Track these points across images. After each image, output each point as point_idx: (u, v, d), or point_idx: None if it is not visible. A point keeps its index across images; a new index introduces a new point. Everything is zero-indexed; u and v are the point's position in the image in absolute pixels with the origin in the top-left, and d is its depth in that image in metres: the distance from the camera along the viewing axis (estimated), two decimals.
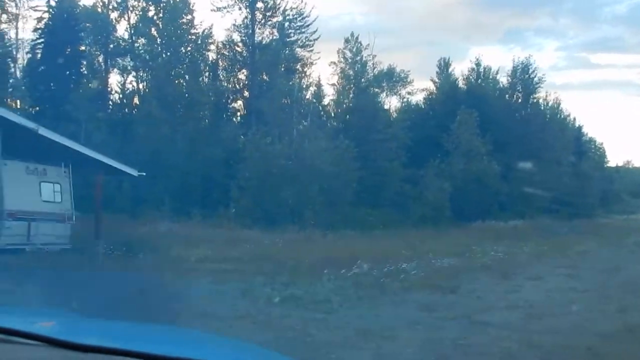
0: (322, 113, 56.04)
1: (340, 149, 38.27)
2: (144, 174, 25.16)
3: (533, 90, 62.84)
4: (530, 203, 49.18)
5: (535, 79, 63.23)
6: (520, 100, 62.84)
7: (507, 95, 62.89)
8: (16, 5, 52.32)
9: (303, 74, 57.38)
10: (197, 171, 40.60)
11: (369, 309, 11.40)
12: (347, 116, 46.77)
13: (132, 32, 52.10)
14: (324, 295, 12.53)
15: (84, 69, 51.39)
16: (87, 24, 52.18)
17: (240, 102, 54.75)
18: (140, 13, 51.94)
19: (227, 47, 54.59)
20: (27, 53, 51.98)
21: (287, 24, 55.46)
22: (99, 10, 52.89)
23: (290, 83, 53.14)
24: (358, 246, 24.49)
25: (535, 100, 63.42)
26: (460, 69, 74.88)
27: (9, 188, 19.37)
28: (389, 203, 42.42)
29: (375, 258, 19.25)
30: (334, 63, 61.67)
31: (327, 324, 9.68)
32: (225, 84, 54.55)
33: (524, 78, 62.82)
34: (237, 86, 54.89)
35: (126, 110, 51.89)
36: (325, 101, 57.49)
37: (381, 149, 43.69)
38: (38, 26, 50.96)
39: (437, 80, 63.32)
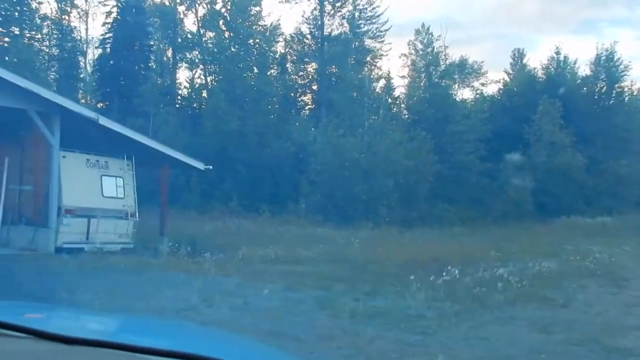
0: (393, 106, 54.13)
1: (417, 141, 36.14)
2: (211, 167, 23.75)
3: (618, 79, 59.05)
4: (618, 198, 45.95)
5: (621, 66, 59.46)
6: (604, 89, 59.15)
7: (589, 85, 59.34)
8: (86, 1, 52.12)
9: (374, 66, 55.61)
10: (265, 166, 39.16)
11: (473, 329, 9.42)
12: (421, 108, 44.41)
13: (200, 25, 51.21)
14: (416, 309, 10.61)
15: (152, 63, 50.94)
16: (155, 19, 51.69)
17: (309, 95, 53.19)
18: (208, 6, 50.95)
19: (296, 39, 53.17)
20: (96, 48, 51.82)
21: (357, 14, 53.59)
22: (167, 3, 52.17)
23: (360, 75, 51.36)
24: (440, 246, 22.48)
25: (619, 90, 59.60)
26: (535, 60, 71.60)
27: (68, 182, 18.14)
28: (467, 198, 39.99)
29: (463, 261, 17.21)
30: (404, 55, 59.91)
31: (429, 351, 7.76)
32: (294, 77, 53.08)
33: (609, 66, 59.13)
34: (306, 79, 53.36)
35: (194, 104, 51.03)
36: (396, 94, 55.55)
37: (458, 141, 41.31)
38: (107, 21, 50.70)
39: (510, 71, 60.87)
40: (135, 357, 1.42)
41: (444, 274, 14.18)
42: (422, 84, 55.37)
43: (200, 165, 21.94)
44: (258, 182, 38.59)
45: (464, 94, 59.17)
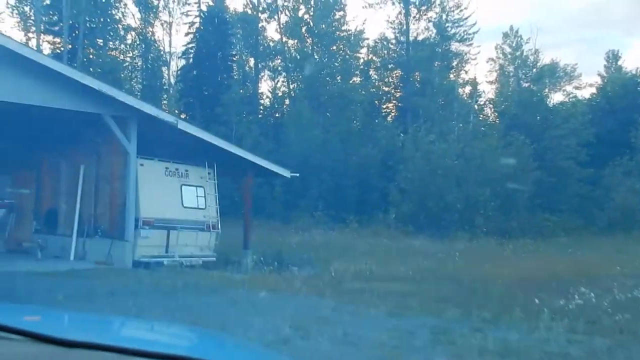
0: (483, 110, 51.74)
1: (515, 146, 33.59)
2: (297, 174, 22.16)
3: None
4: None
5: None
6: None
7: None
8: (169, 13, 51.98)
9: (461, 70, 53.31)
10: (351, 174, 37.45)
11: None
12: (516, 112, 41.74)
13: (282, 32, 50.17)
14: (556, 345, 8.52)
15: (234, 73, 50.28)
16: (238, 29, 51.04)
17: (394, 101, 51.19)
18: (291, 13, 49.89)
19: (380, 44, 51.42)
20: (179, 59, 51.53)
21: (444, 16, 51.38)
22: (249, 12, 51.41)
23: (446, 80, 49.18)
24: (552, 261, 20.05)
25: None
26: (630, 62, 67.39)
27: (146, 192, 16.85)
28: (568, 207, 37.09)
29: (586, 279, 14.93)
30: (492, 59, 57.46)
31: None
32: (378, 83, 51.27)
33: None
34: (391, 84, 51.46)
35: (277, 112, 49.96)
36: (483, 98, 53.21)
37: (558, 146, 38.42)
38: (189, 31, 50.39)
39: (605, 74, 57.47)
40: None
41: (576, 296, 12.00)
42: (510, 88, 52.89)
43: (286, 173, 20.34)
44: (344, 190, 36.92)
45: (555, 97, 56.20)
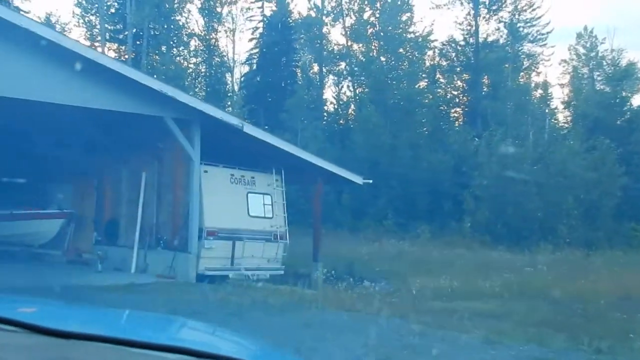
0: (555, 114, 49.43)
1: (599, 151, 31.39)
2: (370, 181, 20.81)
3: None
4: None
5: None
6: None
7: None
8: (232, 19, 51.48)
9: (533, 72, 51.01)
10: (421, 180, 35.83)
11: None
12: (598, 115, 39.37)
13: (348, 36, 48.94)
14: None
15: (299, 77, 49.38)
16: (301, 34, 50.17)
17: (464, 105, 49.27)
18: (357, 15, 48.60)
19: (449, 46, 49.58)
20: (242, 65, 50.96)
21: (516, 16, 49.22)
22: (313, 15, 50.40)
23: (517, 82, 47.08)
24: None
25: None
26: None
27: (210, 200, 15.77)
28: None
29: None
30: (565, 61, 54.93)
31: None
32: (447, 86, 49.45)
33: None
34: (460, 87, 49.57)
35: (343, 117, 48.79)
36: (555, 101, 50.87)
37: None
38: (253, 36, 49.82)
39: None
40: (130, 351, 1.39)
41: None
42: (584, 91, 50.38)
43: (358, 180, 19.03)
44: (414, 198, 35.35)
45: (635, 100, 53.27)
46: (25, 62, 12.83)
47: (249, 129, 15.72)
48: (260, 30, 49.95)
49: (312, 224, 19.34)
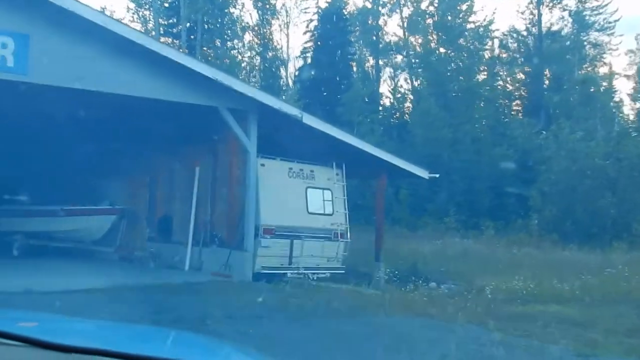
0: (621, 105, 47.31)
1: None
2: (437, 175, 19.69)
3: None
4: None
5: None
6: None
7: None
8: (287, 12, 50.79)
9: (600, 62, 48.79)
10: (484, 175, 34.43)
11: None
12: None
13: (405, 26, 47.65)
14: None
15: (354, 70, 48.38)
16: (357, 26, 49.15)
17: (525, 97, 47.42)
18: (414, 5, 47.27)
19: (510, 36, 47.84)
20: (297, 58, 50.24)
21: (581, 4, 47.10)
22: (369, 6, 49.28)
23: (584, 74, 45.03)
24: None
25: None
26: None
27: (267, 196, 14.91)
28: None
29: None
30: (631, 52, 52.51)
31: None
32: (509, 77, 47.67)
33: None
34: (523, 79, 47.72)
35: (400, 111, 47.51)
36: (621, 93, 48.69)
37: None
38: (308, 29, 49.01)
39: None
40: None
41: None
42: None
43: (423, 174, 17.91)
44: (476, 194, 33.97)
45: None
46: (76, 50, 12.18)
47: (309, 120, 14.79)
48: (315, 23, 49.07)
49: (371, 220, 18.41)
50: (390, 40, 49.23)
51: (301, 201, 15.62)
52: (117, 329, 2.28)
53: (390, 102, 49.50)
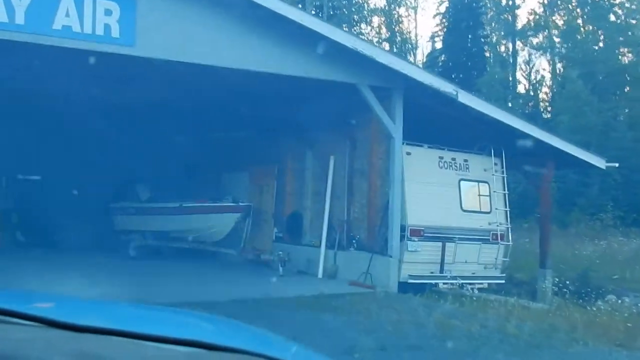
0: None
1: None
2: (616, 164, 16.66)
3: None
4: None
5: None
6: None
7: None
8: None
9: None
10: None
11: None
12: None
13: (545, 3, 43.78)
14: None
15: (488, 54, 45.24)
16: (489, 6, 45.94)
17: None
18: None
19: None
20: (426, 42, 47.65)
21: None
22: None
23: None
24: None
25: None
26: None
27: (414, 190, 12.51)
28: None
29: None
30: None
31: None
32: None
33: None
34: None
35: (541, 95, 43.89)
36: None
37: None
38: (439, 11, 46.40)
39: None
40: (146, 345, 1.38)
41: None
42: None
43: (600, 164, 14.98)
44: (636, 186, 29.98)
45: None
46: (190, 18, 10.24)
47: (465, 98, 12.20)
48: (446, 4, 46.21)
49: (526, 216, 15.57)
50: (528, 20, 45.49)
51: (454, 196, 13.10)
52: (134, 310, 2.27)
53: (529, 85, 46.10)
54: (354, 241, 13.18)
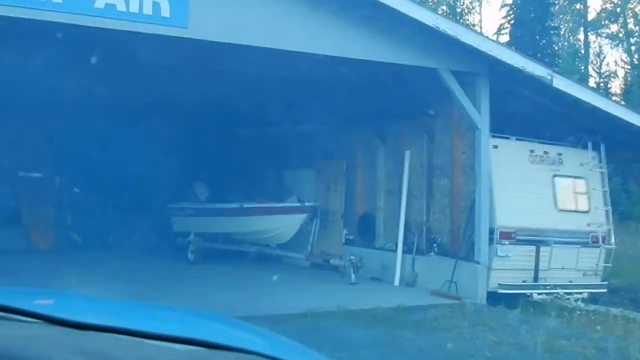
0: None
1: None
2: None
3: None
4: None
5: None
6: None
7: None
8: None
9: None
10: None
11: None
12: None
13: None
14: None
15: (558, 47, 43.18)
16: None
17: None
18: None
19: None
20: (493, 35, 45.78)
21: None
22: None
23: None
24: None
25: None
26: None
27: (504, 188, 11.10)
28: None
29: None
30: None
31: None
32: None
33: None
34: None
35: (619, 90, 41.65)
36: None
37: None
38: (506, 2, 44.55)
39: None
40: (147, 343, 1.36)
41: None
42: None
43: None
44: None
45: None
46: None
47: (561, 83, 10.71)
48: None
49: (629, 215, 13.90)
50: (602, 9, 43.28)
51: (547, 194, 11.61)
52: (135, 308, 2.21)
53: (595, 81, 43.83)
54: (434, 245, 11.80)
